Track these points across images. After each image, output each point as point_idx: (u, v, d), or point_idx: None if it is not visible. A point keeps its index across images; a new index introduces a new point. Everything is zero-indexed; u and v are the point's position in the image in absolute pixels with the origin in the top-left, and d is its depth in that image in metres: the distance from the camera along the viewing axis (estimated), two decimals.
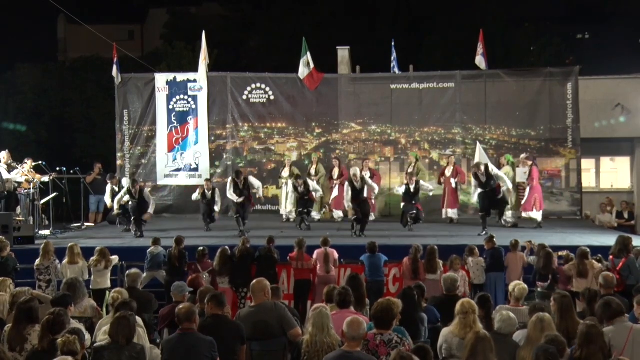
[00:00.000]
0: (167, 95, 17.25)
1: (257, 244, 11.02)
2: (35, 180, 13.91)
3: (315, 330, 5.76)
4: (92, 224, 16.10)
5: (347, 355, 5.26)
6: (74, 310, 7.08)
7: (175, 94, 17.25)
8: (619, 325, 5.94)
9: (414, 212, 13.96)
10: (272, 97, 17.26)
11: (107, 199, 14.85)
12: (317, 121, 17.34)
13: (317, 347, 5.71)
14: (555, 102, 16.67)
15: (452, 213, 15.46)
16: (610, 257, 9.64)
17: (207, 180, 14.81)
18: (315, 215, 15.71)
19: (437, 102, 17.00)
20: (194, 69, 17.86)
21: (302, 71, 17.00)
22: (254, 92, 17.29)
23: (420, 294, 7.68)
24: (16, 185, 13.73)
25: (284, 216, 15.88)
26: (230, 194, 13.69)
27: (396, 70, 17.96)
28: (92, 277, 10.07)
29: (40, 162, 14.65)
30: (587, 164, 18.58)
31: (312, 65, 16.94)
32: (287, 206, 15.72)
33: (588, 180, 18.81)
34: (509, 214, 14.52)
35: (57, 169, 15.27)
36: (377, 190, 14.83)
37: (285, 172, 15.78)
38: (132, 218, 13.55)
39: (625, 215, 16.79)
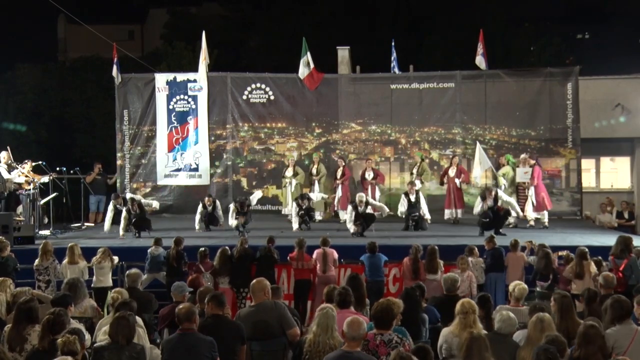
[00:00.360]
0: (167, 95, 17.24)
1: (257, 244, 11.01)
2: (35, 181, 13.91)
3: (319, 330, 5.76)
4: (92, 224, 16.09)
5: (347, 355, 5.26)
6: (74, 310, 7.08)
7: (175, 94, 17.25)
8: (624, 326, 5.94)
9: (416, 215, 13.97)
10: (272, 97, 17.26)
11: (107, 221, 13.97)
12: (317, 121, 17.34)
13: (319, 347, 5.71)
14: (555, 102, 16.66)
15: (458, 213, 15.38)
16: (611, 257, 9.62)
17: (209, 196, 14.58)
18: (317, 215, 15.71)
19: (437, 102, 16.99)
20: (194, 69, 17.85)
21: (302, 71, 17.00)
22: (254, 92, 17.29)
23: (421, 294, 7.68)
24: (17, 185, 13.72)
25: (289, 216, 15.84)
26: (232, 221, 13.58)
27: (396, 70, 17.95)
28: (94, 275, 10.07)
29: (40, 162, 14.65)
30: (587, 164, 18.58)
31: (312, 65, 16.93)
32: (290, 205, 15.70)
33: (588, 180, 18.81)
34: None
35: (57, 169, 15.26)
36: (386, 210, 14.69)
37: (289, 172, 15.75)
38: (134, 221, 13.50)
39: (626, 215, 16.80)
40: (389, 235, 13.06)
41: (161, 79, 17.35)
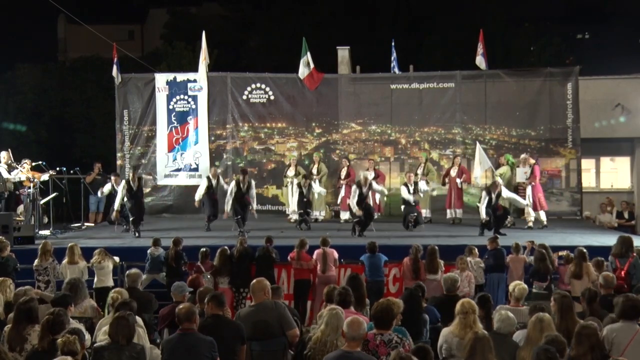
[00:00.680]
0: (167, 95, 17.24)
1: (257, 244, 11.01)
2: (35, 180, 13.90)
3: (328, 330, 5.75)
4: (92, 224, 16.09)
5: (347, 355, 5.26)
6: (74, 310, 7.08)
7: (175, 94, 17.25)
8: (628, 325, 5.93)
9: (415, 214, 13.98)
10: (272, 97, 17.26)
11: (104, 191, 14.60)
12: (317, 121, 17.34)
13: (325, 347, 5.70)
14: (555, 102, 16.66)
15: (457, 213, 15.39)
16: (614, 258, 9.60)
17: (214, 166, 14.76)
18: (318, 215, 15.71)
19: (437, 102, 16.99)
20: (194, 69, 17.85)
21: (302, 71, 17.00)
22: (254, 92, 17.29)
23: (421, 294, 7.68)
24: (17, 184, 13.71)
25: (291, 217, 15.84)
26: (229, 197, 13.62)
27: (396, 70, 17.96)
28: (95, 276, 10.05)
29: (40, 162, 14.65)
30: (587, 164, 18.58)
31: (312, 65, 16.93)
32: (292, 205, 15.71)
33: (588, 180, 18.81)
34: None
35: (57, 168, 15.26)
36: (386, 192, 14.75)
37: (291, 172, 15.75)
38: (131, 219, 13.52)
39: (626, 215, 16.81)
40: (389, 235, 13.06)
41: (161, 79, 17.35)
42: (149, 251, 10.76)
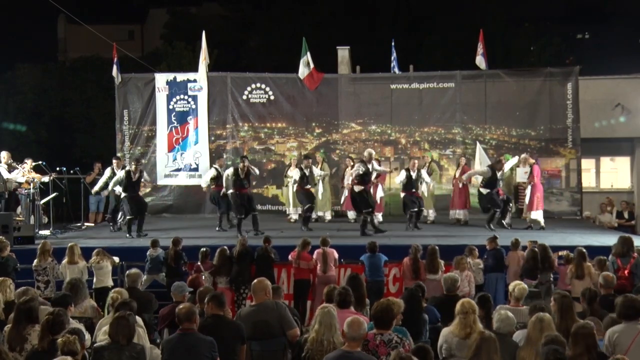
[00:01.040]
0: (167, 95, 17.24)
1: (257, 244, 11.01)
2: (36, 180, 13.91)
3: (322, 329, 5.75)
4: (92, 224, 16.09)
5: (347, 355, 5.26)
6: (74, 310, 7.08)
7: (175, 94, 17.25)
8: (630, 325, 5.93)
9: (415, 209, 13.98)
10: (272, 97, 17.26)
11: (101, 181, 14.56)
12: (317, 121, 17.34)
13: (322, 346, 5.70)
14: (555, 102, 16.67)
15: (459, 214, 15.31)
16: (616, 258, 9.60)
17: (219, 158, 15.04)
18: (323, 215, 15.69)
19: (437, 102, 17.00)
20: (194, 69, 17.85)
21: (302, 71, 16.99)
22: (254, 92, 17.29)
23: (421, 294, 7.68)
24: (17, 184, 13.72)
25: (291, 216, 15.84)
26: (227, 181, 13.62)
27: (396, 70, 17.96)
28: (95, 276, 10.05)
29: (40, 162, 14.65)
30: (587, 164, 18.59)
31: (312, 65, 16.93)
32: (293, 204, 15.71)
33: (588, 180, 18.82)
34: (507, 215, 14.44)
35: (57, 169, 15.26)
36: (387, 170, 14.59)
37: (291, 172, 15.70)
38: (129, 217, 13.49)
39: (625, 215, 16.82)
40: (389, 235, 13.05)
41: (161, 79, 17.35)
42: (148, 252, 10.74)
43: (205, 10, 34.27)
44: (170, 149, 17.25)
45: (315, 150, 17.01)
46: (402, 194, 14.28)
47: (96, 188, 14.74)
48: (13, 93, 24.59)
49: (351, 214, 15.42)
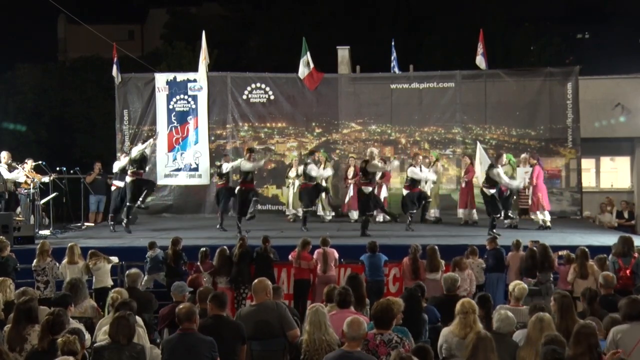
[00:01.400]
0: (167, 95, 17.23)
1: (257, 244, 11.00)
2: (36, 180, 13.90)
3: (312, 329, 5.77)
4: (92, 224, 16.09)
5: (347, 355, 5.26)
6: (74, 310, 7.08)
7: (175, 94, 17.24)
8: (634, 326, 5.92)
9: (414, 210, 13.99)
10: (272, 97, 17.26)
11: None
12: (317, 121, 17.34)
13: (316, 346, 5.72)
14: (555, 102, 16.66)
15: (462, 213, 15.28)
16: (617, 257, 9.59)
17: (225, 155, 14.96)
18: (326, 215, 15.68)
19: (437, 102, 17.00)
20: (194, 69, 17.84)
21: (302, 71, 16.99)
22: (254, 92, 17.29)
23: (421, 294, 7.68)
24: (17, 184, 13.71)
25: (290, 216, 15.82)
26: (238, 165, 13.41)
27: (396, 70, 17.97)
28: (94, 277, 10.04)
29: (40, 162, 14.65)
30: (587, 163, 18.59)
31: (312, 65, 16.93)
32: (293, 205, 15.68)
33: (588, 180, 18.82)
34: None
35: (57, 169, 15.26)
36: (387, 168, 14.43)
37: (292, 172, 15.71)
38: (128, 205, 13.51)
39: (625, 215, 16.81)
40: (389, 235, 13.05)
41: (161, 79, 17.34)
42: (147, 255, 10.71)
43: (205, 10, 34.26)
44: (170, 148, 17.24)
45: (316, 150, 16.98)
46: (405, 192, 14.12)
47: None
48: (13, 93, 24.59)
49: (354, 214, 15.43)
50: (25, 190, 13.77)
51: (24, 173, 13.74)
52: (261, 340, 6.55)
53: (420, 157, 14.42)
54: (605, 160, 19.70)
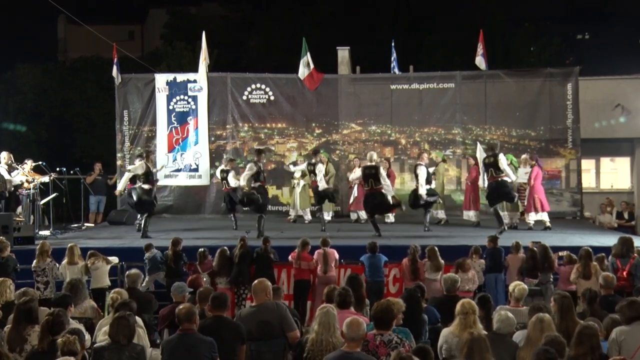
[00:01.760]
0: (167, 96, 17.22)
1: (257, 244, 11.00)
2: (36, 181, 13.90)
3: (321, 329, 5.77)
4: (92, 224, 16.09)
5: (346, 356, 5.27)
6: (74, 310, 7.08)
7: (175, 94, 17.23)
8: (635, 327, 5.92)
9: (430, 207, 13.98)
10: (272, 98, 17.25)
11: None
12: (317, 121, 17.33)
13: (322, 346, 5.71)
14: (555, 103, 16.65)
15: (469, 215, 15.20)
16: (616, 258, 9.59)
17: (231, 160, 14.95)
18: (326, 215, 15.65)
19: (437, 102, 16.98)
20: (194, 69, 17.84)
21: (302, 71, 16.98)
22: (254, 92, 17.28)
23: (420, 294, 7.68)
24: (17, 184, 13.71)
25: (292, 217, 15.79)
26: (244, 178, 13.05)
27: (396, 70, 17.96)
28: (92, 277, 10.04)
29: (40, 162, 14.65)
30: (587, 164, 18.59)
31: (312, 66, 16.91)
32: (297, 207, 15.66)
33: (588, 181, 18.82)
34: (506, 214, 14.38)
35: (57, 169, 15.26)
36: (391, 189, 14.47)
37: (298, 173, 15.70)
38: (146, 215, 13.34)
39: (626, 216, 16.81)
40: (389, 236, 13.05)
41: (161, 79, 17.34)
42: (145, 257, 10.69)
43: (205, 10, 34.27)
44: (170, 149, 17.23)
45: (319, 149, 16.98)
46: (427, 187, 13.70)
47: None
48: (13, 93, 24.61)
49: (354, 215, 15.40)
50: (26, 191, 13.76)
51: (22, 173, 13.74)
52: (261, 341, 6.55)
53: (425, 155, 14.33)
54: (605, 161, 19.70)
